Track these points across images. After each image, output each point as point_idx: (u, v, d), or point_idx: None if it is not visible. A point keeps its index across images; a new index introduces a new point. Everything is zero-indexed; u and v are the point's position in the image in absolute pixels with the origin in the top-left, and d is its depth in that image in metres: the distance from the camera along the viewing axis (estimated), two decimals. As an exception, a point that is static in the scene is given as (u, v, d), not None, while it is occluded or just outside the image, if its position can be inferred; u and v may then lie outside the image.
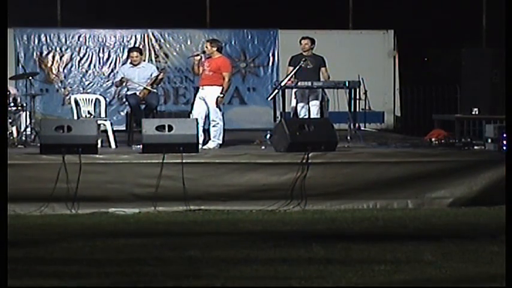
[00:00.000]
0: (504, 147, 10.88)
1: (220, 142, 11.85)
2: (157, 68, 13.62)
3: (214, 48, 12.01)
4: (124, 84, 12.81)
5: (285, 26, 17.30)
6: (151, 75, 12.77)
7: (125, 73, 12.90)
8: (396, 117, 17.80)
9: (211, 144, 11.77)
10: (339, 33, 17.57)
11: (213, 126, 11.86)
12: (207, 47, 12.14)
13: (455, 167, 10.87)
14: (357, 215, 10.10)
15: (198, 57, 12.24)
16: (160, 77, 12.87)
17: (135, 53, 13.03)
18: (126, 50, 16.66)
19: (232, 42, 17.24)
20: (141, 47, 16.17)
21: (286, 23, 17.54)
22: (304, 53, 13.02)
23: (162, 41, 16.99)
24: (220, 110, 11.88)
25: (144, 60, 13.20)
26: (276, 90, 12.45)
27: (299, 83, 12.56)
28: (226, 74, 11.85)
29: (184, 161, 10.29)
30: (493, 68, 13.51)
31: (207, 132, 11.94)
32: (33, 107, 12.33)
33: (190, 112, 12.14)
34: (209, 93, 11.81)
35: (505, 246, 6.92)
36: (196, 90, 12.36)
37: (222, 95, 11.80)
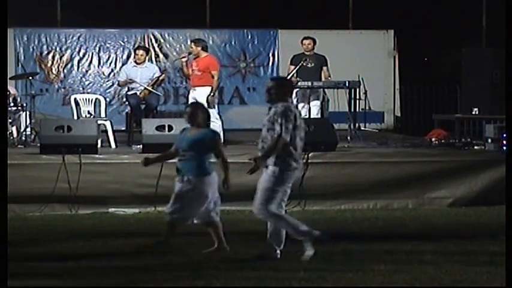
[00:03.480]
0: (504, 147, 10.89)
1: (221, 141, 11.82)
2: (160, 69, 13.65)
3: (199, 48, 12.06)
4: (127, 84, 12.81)
5: (285, 26, 17.29)
6: (153, 75, 12.78)
7: (127, 73, 12.89)
8: (396, 117, 17.78)
9: None
10: (339, 33, 17.54)
11: (211, 126, 11.80)
12: (191, 48, 12.23)
13: (455, 167, 10.88)
14: (357, 215, 10.10)
15: (184, 59, 12.34)
16: (161, 78, 12.89)
17: (141, 51, 13.02)
18: (126, 50, 16.67)
19: (232, 42, 17.22)
20: (141, 46, 16.15)
21: (286, 23, 17.53)
22: (306, 53, 13.02)
23: (162, 41, 16.96)
24: (214, 108, 11.85)
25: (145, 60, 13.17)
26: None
27: (300, 83, 12.55)
28: (215, 72, 11.88)
29: (184, 161, 10.28)
30: (493, 68, 13.49)
31: None
32: (33, 107, 12.33)
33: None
34: (200, 94, 11.85)
35: (505, 246, 6.92)
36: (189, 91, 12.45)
37: (212, 95, 11.80)
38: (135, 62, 13.01)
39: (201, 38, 13.47)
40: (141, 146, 10.79)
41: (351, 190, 10.56)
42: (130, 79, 12.68)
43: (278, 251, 7.37)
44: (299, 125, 7.25)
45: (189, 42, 16.82)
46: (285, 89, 7.47)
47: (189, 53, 12.39)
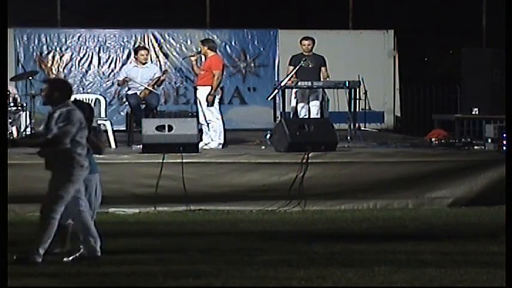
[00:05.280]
0: (504, 147, 10.89)
1: (221, 142, 11.83)
2: (160, 68, 13.64)
3: (206, 47, 12.05)
4: (126, 83, 12.80)
5: (285, 26, 17.30)
6: (154, 75, 12.77)
7: (128, 73, 12.88)
8: (396, 117, 17.79)
9: (212, 144, 11.77)
10: (339, 33, 17.56)
11: (211, 126, 11.84)
12: (200, 47, 12.25)
13: (455, 167, 10.88)
14: (357, 215, 10.10)
15: (194, 58, 12.36)
16: (162, 78, 12.88)
17: (143, 51, 13.03)
18: (126, 50, 16.67)
19: (232, 42, 17.22)
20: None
21: (286, 23, 17.54)
22: (305, 53, 13.02)
23: (162, 41, 16.97)
24: (215, 108, 11.85)
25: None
26: (276, 90, 12.45)
27: (299, 83, 12.55)
28: (216, 72, 11.81)
29: (184, 161, 10.29)
30: (493, 68, 13.49)
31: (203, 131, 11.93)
32: (33, 107, 12.33)
33: (197, 112, 12.19)
34: (201, 93, 11.86)
35: (505, 246, 6.92)
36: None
37: (210, 94, 11.77)
38: (139, 62, 12.96)
39: (209, 38, 13.48)
40: (141, 146, 10.78)
41: (351, 190, 10.55)
42: (127, 78, 12.67)
43: (98, 248, 7.32)
44: (84, 126, 7.25)
45: (189, 42, 16.98)
46: (62, 90, 7.32)
47: (199, 52, 12.41)
